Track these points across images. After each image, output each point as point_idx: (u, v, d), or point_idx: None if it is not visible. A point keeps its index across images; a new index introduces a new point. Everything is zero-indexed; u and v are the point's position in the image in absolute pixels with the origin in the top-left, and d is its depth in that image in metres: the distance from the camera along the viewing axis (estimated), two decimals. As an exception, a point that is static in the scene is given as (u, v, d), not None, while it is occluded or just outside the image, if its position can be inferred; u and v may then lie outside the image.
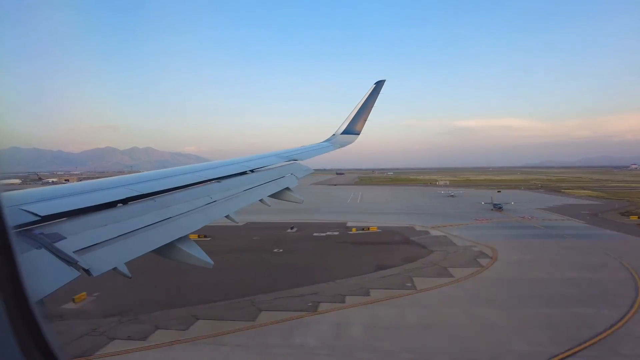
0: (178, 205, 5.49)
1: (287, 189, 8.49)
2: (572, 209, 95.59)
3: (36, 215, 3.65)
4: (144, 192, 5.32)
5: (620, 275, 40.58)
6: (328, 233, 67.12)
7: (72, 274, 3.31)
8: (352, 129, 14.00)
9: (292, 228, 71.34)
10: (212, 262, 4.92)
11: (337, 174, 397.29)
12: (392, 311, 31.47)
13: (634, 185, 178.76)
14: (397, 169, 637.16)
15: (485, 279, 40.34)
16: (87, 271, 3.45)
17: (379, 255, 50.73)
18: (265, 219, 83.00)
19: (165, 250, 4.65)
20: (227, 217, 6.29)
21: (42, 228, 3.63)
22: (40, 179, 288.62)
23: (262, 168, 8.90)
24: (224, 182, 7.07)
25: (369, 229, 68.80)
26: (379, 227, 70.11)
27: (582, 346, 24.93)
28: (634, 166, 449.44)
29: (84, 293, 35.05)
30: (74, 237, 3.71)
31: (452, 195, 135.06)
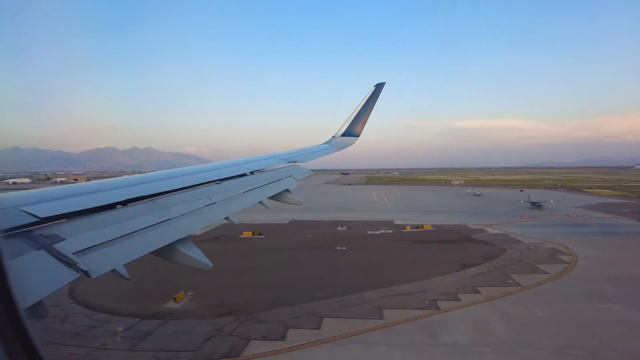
0: (177, 206, 5.41)
1: (287, 190, 8.39)
2: (611, 207, 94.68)
3: (35, 216, 3.62)
4: (144, 194, 5.23)
5: None
6: (381, 231, 65.67)
7: (71, 275, 3.28)
8: (352, 131, 14.00)
9: (342, 226, 69.87)
10: (211, 264, 4.76)
11: (342, 174, 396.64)
12: (517, 308, 30.12)
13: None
14: (399, 169, 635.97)
15: (583, 276, 38.98)
16: (86, 273, 3.42)
17: (455, 253, 49.34)
18: (307, 217, 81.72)
19: (165, 252, 4.59)
20: (226, 218, 6.15)
21: (41, 229, 3.59)
22: (48, 178, 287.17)
23: (262, 170, 8.83)
24: (223, 183, 7.02)
25: (422, 227, 67.36)
26: (432, 225, 68.70)
27: None
28: (638, 166, 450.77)
29: (183, 292, 33.42)
30: (73, 238, 3.69)
31: (478, 195, 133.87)
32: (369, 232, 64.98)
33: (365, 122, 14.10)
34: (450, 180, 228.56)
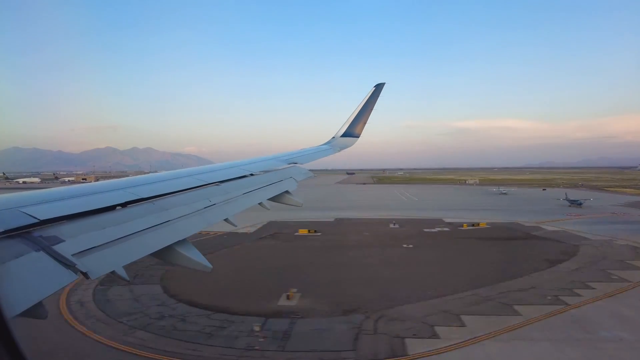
0: (177, 208, 5.38)
1: (287, 192, 8.37)
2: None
3: (35, 218, 3.63)
4: (143, 196, 5.19)
5: None
6: (437, 229, 64.66)
7: (70, 277, 3.26)
8: (352, 132, 13.95)
9: (394, 224, 68.83)
10: (210, 266, 4.71)
11: (347, 173, 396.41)
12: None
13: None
14: (400, 169, 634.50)
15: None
16: (85, 274, 3.42)
17: (529, 249, 48.43)
18: (347, 215, 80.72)
19: (164, 254, 4.59)
20: (226, 220, 6.11)
21: (41, 230, 3.57)
22: (56, 178, 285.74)
23: (262, 171, 8.79)
24: (223, 185, 6.99)
25: (478, 224, 66.40)
26: (486, 223, 67.72)
27: None
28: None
29: (293, 290, 32.30)
30: (73, 240, 3.68)
31: (504, 193, 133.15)
32: (425, 229, 63.92)
33: (365, 123, 14.03)
34: (465, 180, 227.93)
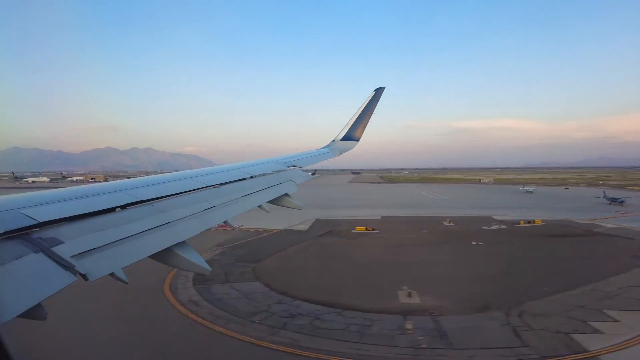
0: (176, 210, 5.41)
1: (286, 194, 8.38)
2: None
3: (34, 219, 3.65)
4: (143, 198, 5.20)
5: None
6: (495, 226, 63.81)
7: (69, 278, 3.28)
8: (352, 135, 14.09)
9: (448, 222, 67.89)
10: (209, 268, 4.77)
11: (352, 173, 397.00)
12: None
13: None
14: (402, 169, 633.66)
15: None
16: (84, 276, 3.43)
17: (603, 246, 47.54)
18: (390, 214, 79.83)
19: (163, 256, 4.55)
20: (225, 222, 6.16)
21: (40, 232, 3.60)
22: (64, 177, 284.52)
23: (262, 174, 8.82)
24: (222, 187, 7.01)
25: (534, 221, 65.59)
26: (541, 221, 66.89)
27: None
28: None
29: (404, 287, 31.33)
30: (72, 241, 3.70)
31: (530, 192, 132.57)
32: (483, 227, 63.06)
33: (365, 127, 14.15)
34: (480, 179, 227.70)
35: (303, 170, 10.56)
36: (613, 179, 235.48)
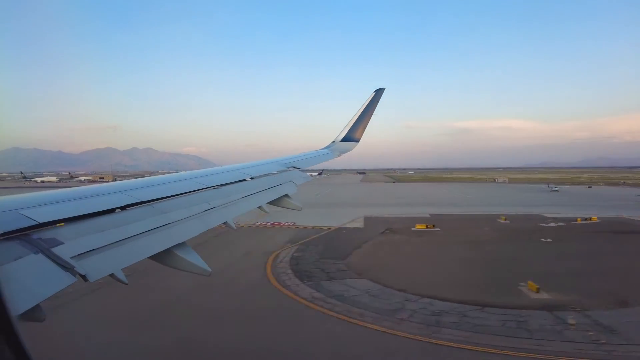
0: (176, 211, 5.33)
1: (286, 196, 8.37)
2: None
3: (34, 220, 3.65)
4: (143, 199, 5.16)
5: None
6: (551, 224, 63.25)
7: (68, 279, 3.29)
8: (352, 137, 14.12)
9: (504, 219, 67.27)
10: (209, 270, 4.67)
11: (358, 173, 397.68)
12: None
13: None
14: (404, 169, 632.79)
15: None
16: (83, 277, 3.44)
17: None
18: (441, 211, 79.23)
19: (163, 257, 4.54)
20: (224, 223, 6.06)
21: (40, 233, 3.59)
22: (72, 177, 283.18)
23: (262, 175, 8.80)
24: (222, 188, 6.95)
25: (590, 219, 65.10)
26: (597, 218, 66.44)
27: None
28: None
29: (527, 282, 30.65)
30: (72, 242, 3.69)
31: (556, 190, 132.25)
32: (541, 224, 62.48)
33: (365, 128, 14.19)
34: (494, 178, 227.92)
35: (303, 171, 10.47)
36: (626, 178, 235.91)
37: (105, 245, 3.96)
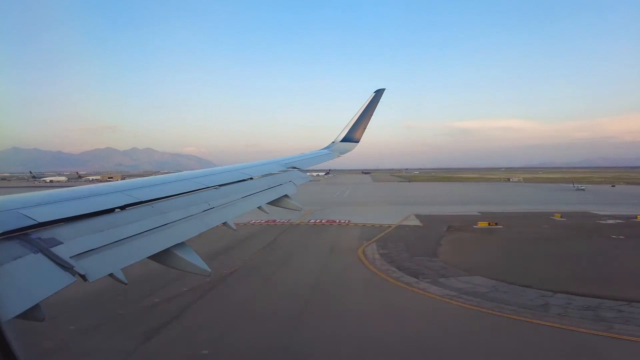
0: (176, 211, 5.32)
1: (286, 196, 8.38)
2: None
3: (33, 219, 3.62)
4: (142, 199, 5.16)
5: None
6: (610, 221, 63.13)
7: (68, 279, 3.27)
8: (352, 137, 14.18)
9: (561, 216, 67.18)
10: (209, 270, 4.70)
11: (363, 172, 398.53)
12: None
13: None
14: (406, 169, 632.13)
15: None
16: (83, 277, 3.43)
17: None
18: (489, 210, 78.95)
19: (162, 257, 4.52)
20: (224, 224, 5.98)
21: (39, 232, 3.57)
22: (80, 177, 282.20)
23: (261, 175, 8.82)
24: (222, 188, 6.94)
25: (637, 217, 65.07)
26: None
27: None
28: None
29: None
30: (71, 242, 3.67)
31: (582, 189, 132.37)
32: (600, 222, 62.36)
33: (364, 128, 14.22)
34: (508, 178, 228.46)
35: (303, 172, 10.48)
36: (632, 177, 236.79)
37: (105, 245, 3.94)
